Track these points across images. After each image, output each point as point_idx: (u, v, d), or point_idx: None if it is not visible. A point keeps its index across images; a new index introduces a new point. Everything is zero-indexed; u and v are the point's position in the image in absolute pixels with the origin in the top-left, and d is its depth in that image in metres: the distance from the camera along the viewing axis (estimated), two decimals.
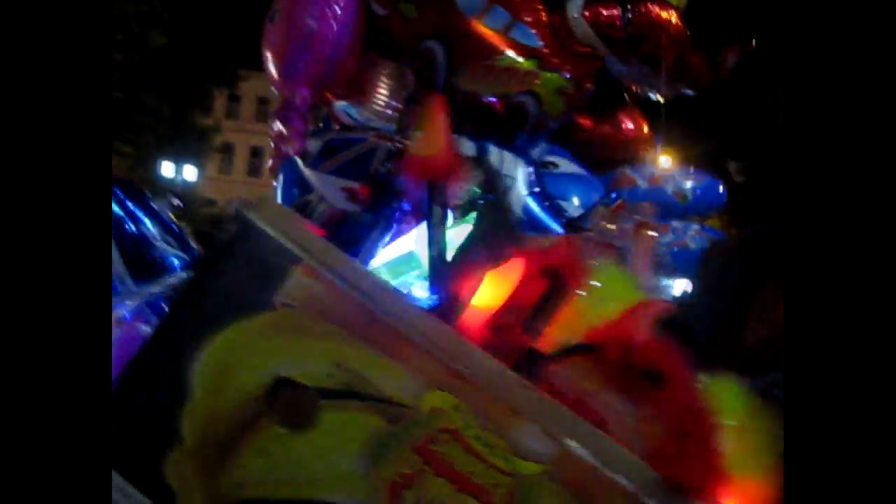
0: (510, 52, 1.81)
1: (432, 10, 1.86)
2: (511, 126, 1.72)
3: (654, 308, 0.82)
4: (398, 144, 1.26)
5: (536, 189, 1.34)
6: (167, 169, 18.28)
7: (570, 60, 1.79)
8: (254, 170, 26.64)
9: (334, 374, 0.64)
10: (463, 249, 0.77)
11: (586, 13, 1.79)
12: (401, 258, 0.82)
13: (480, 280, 0.75)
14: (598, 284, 0.85)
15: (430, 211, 0.79)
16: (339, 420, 0.63)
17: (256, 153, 26.60)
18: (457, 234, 0.81)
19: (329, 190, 1.35)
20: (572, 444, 0.63)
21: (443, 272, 0.75)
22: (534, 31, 1.79)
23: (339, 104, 1.76)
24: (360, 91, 1.91)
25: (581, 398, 0.78)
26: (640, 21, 1.76)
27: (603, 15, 1.80)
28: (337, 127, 1.80)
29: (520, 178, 1.25)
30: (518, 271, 0.77)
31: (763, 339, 0.97)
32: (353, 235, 0.88)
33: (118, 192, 1.06)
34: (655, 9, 1.78)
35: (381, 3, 1.92)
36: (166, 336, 0.68)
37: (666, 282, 1.22)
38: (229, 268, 0.67)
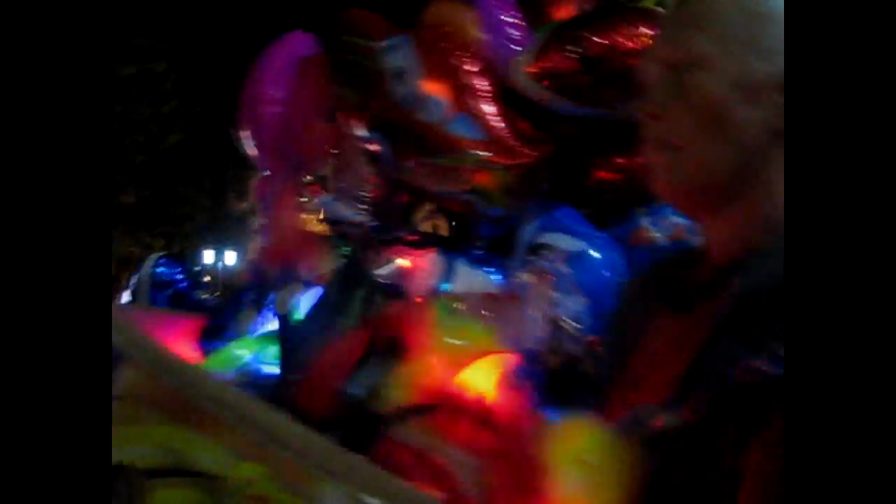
0: (449, 151, 1.67)
1: (370, 97, 1.78)
2: (465, 221, 1.68)
3: (503, 362, 0.88)
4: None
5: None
6: (208, 256, 18.82)
7: (517, 151, 1.64)
8: None
9: (161, 456, 0.71)
10: (304, 323, 0.84)
11: (533, 70, 1.66)
12: (256, 336, 0.90)
13: (323, 354, 0.81)
14: (457, 342, 0.91)
15: (278, 294, 0.86)
16: (167, 496, 0.70)
17: None
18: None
19: None
20: (373, 500, 0.68)
21: (287, 348, 0.82)
22: (476, 120, 1.66)
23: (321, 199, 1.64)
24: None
25: (423, 453, 0.83)
26: (599, 52, 1.63)
27: (553, 64, 1.66)
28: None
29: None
30: (360, 341, 0.84)
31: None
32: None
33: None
34: (614, 36, 1.64)
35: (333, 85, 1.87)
36: None
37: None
38: None
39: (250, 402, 0.72)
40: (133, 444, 0.72)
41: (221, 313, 0.94)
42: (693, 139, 0.92)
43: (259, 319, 0.93)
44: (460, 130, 1.65)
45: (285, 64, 2.04)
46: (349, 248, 0.95)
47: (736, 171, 0.92)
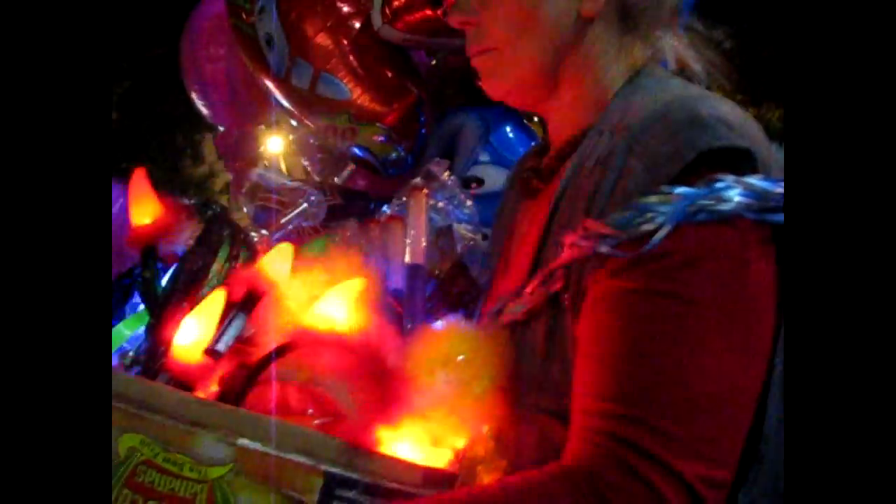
0: (319, 112, 1.67)
1: (256, 65, 1.76)
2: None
3: (358, 284, 0.93)
4: None
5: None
6: None
7: (384, 101, 1.63)
8: None
9: None
10: (164, 293, 0.90)
11: (387, 14, 1.61)
12: (135, 314, 0.95)
13: (181, 319, 0.87)
14: (319, 277, 0.96)
15: (142, 273, 0.91)
16: None
17: None
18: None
19: None
20: (244, 441, 0.75)
21: (150, 323, 0.88)
22: (340, 79, 1.64)
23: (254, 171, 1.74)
24: None
25: (302, 386, 0.90)
26: None
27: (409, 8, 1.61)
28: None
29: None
30: (220, 300, 0.89)
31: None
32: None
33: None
34: None
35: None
36: None
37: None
38: None
39: (118, 377, 0.77)
40: None
41: None
42: (507, 40, 0.96)
43: (133, 302, 0.98)
44: (326, 92, 1.63)
45: (218, 21, 2.04)
46: (210, 214, 1.00)
47: (553, 62, 0.96)
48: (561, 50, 0.96)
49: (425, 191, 1.20)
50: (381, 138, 1.62)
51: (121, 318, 0.96)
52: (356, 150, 1.62)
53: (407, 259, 1.13)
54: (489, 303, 1.06)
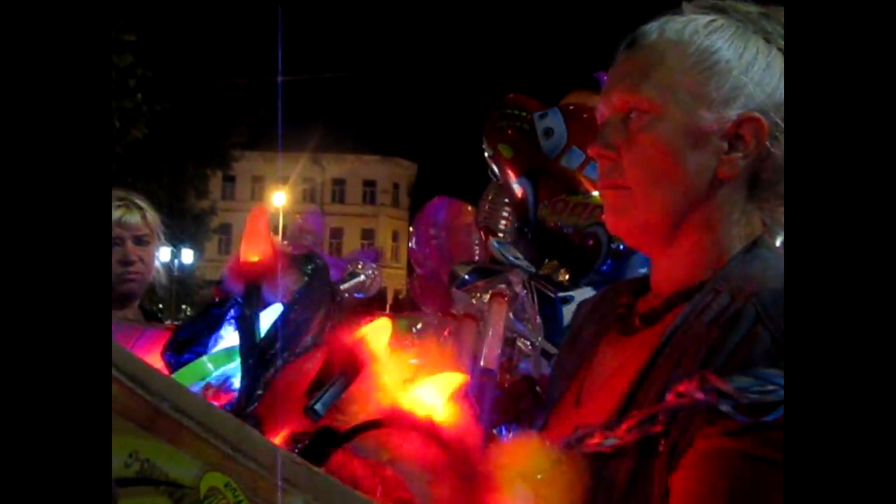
0: (581, 189, 2.20)
1: (523, 151, 2.36)
2: (587, 255, 1.99)
3: (454, 380, 0.93)
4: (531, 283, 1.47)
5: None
6: (164, 254, 18.61)
7: None
8: None
9: (129, 465, 0.74)
10: (266, 339, 0.88)
11: None
12: (223, 350, 0.94)
13: (280, 369, 0.86)
14: (413, 360, 0.96)
15: (244, 310, 0.90)
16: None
17: None
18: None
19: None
20: None
21: (248, 364, 0.86)
22: None
23: (492, 242, 2.13)
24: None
25: (376, 466, 0.88)
26: None
27: None
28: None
29: None
30: (319, 359, 0.88)
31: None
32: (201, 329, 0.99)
33: None
34: None
35: (487, 145, 2.49)
36: None
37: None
38: None
39: (216, 413, 0.76)
40: None
41: (189, 326, 0.97)
42: (641, 181, 0.99)
43: (219, 334, 0.97)
44: (591, 175, 2.12)
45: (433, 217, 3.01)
46: (312, 268, 1.00)
47: (681, 213, 0.99)
48: (691, 204, 0.99)
49: (507, 298, 1.21)
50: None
51: (203, 346, 0.95)
52: (597, 227, 1.91)
53: (482, 363, 1.13)
54: (557, 428, 1.05)
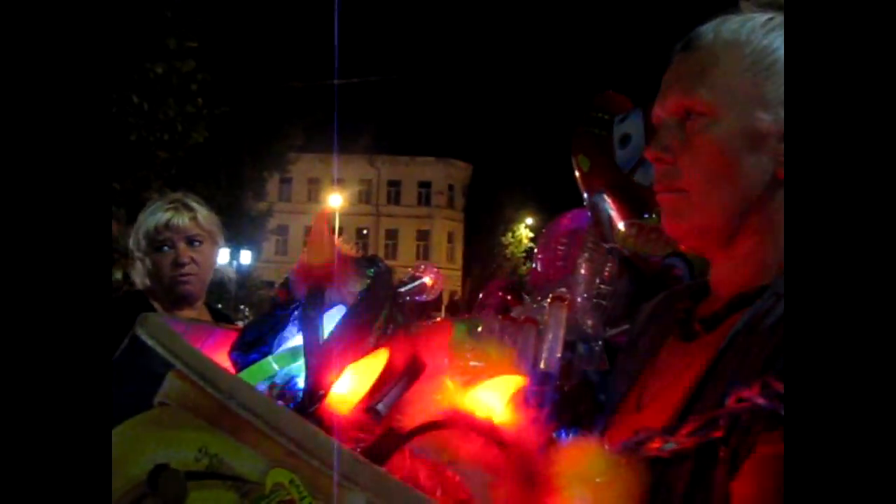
0: (639, 211, 1.86)
1: (600, 163, 2.04)
2: (659, 286, 1.74)
3: (514, 382, 0.94)
4: None
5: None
6: (223, 255, 18.95)
7: None
8: None
9: (199, 459, 0.77)
10: (330, 341, 0.90)
11: None
12: (288, 350, 0.96)
13: (343, 369, 0.88)
14: (473, 363, 0.98)
15: (307, 311, 0.93)
16: (203, 497, 0.77)
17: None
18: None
19: None
20: None
21: (311, 364, 0.89)
22: None
23: None
24: None
25: (437, 467, 0.89)
26: None
27: None
28: None
29: None
30: (382, 359, 0.90)
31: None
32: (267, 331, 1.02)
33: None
34: None
35: (572, 155, 2.17)
36: None
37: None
38: (122, 373, 0.82)
39: (283, 412, 0.78)
40: (173, 448, 0.78)
41: (256, 327, 1.00)
42: (698, 184, 0.98)
43: (283, 335, 1.00)
44: None
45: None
46: (375, 271, 1.01)
47: (739, 215, 0.98)
48: (750, 206, 0.97)
49: (566, 302, 1.21)
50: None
51: (268, 346, 0.97)
52: (675, 259, 1.65)
53: (542, 366, 1.13)
54: (617, 432, 1.05)
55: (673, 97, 1.00)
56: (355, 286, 1.00)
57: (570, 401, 1.15)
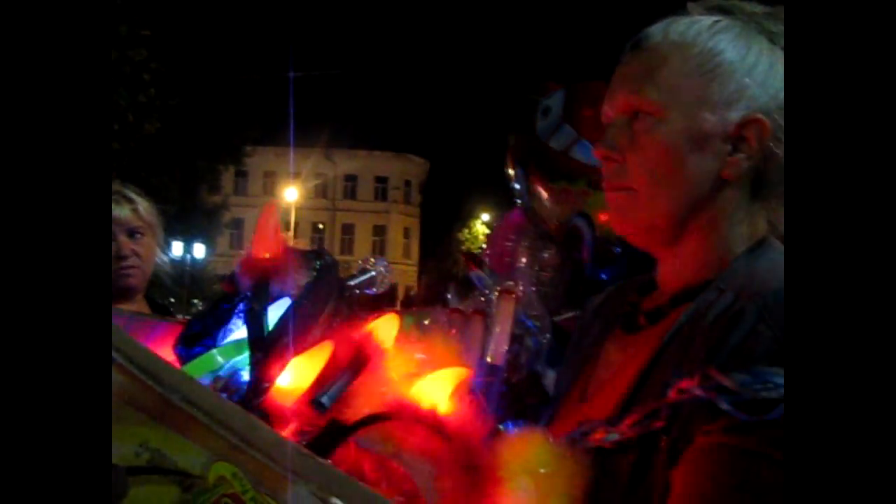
0: (565, 174, 1.92)
1: (521, 135, 2.10)
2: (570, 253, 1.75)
3: (458, 374, 0.94)
4: None
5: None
6: (176, 248, 18.64)
7: None
8: None
9: (140, 454, 0.76)
10: (275, 333, 0.90)
11: None
12: (232, 342, 0.95)
13: (287, 362, 0.87)
14: (419, 355, 0.98)
15: (252, 305, 0.92)
16: (144, 492, 0.76)
17: None
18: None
19: None
20: (336, 501, 0.74)
21: (256, 357, 0.88)
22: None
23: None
24: None
25: (382, 459, 0.89)
26: None
27: None
28: None
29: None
30: (326, 352, 0.90)
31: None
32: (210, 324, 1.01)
33: None
34: None
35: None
36: None
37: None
38: None
39: (225, 405, 0.77)
40: (115, 442, 0.77)
41: (200, 320, 0.99)
42: (645, 183, 1.00)
43: (227, 327, 0.99)
44: (579, 155, 1.85)
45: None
46: (321, 263, 1.01)
47: (685, 214, 1.00)
48: (695, 205, 0.99)
49: (514, 295, 1.22)
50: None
51: (213, 339, 0.96)
52: (578, 219, 1.64)
53: (488, 359, 1.14)
54: (562, 423, 1.06)
55: (621, 96, 1.01)
56: (301, 279, 1.00)
57: (517, 393, 1.16)
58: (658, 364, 0.94)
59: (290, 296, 0.98)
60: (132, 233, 2.35)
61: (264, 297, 0.94)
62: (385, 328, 0.95)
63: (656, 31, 1.01)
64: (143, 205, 2.39)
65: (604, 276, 1.73)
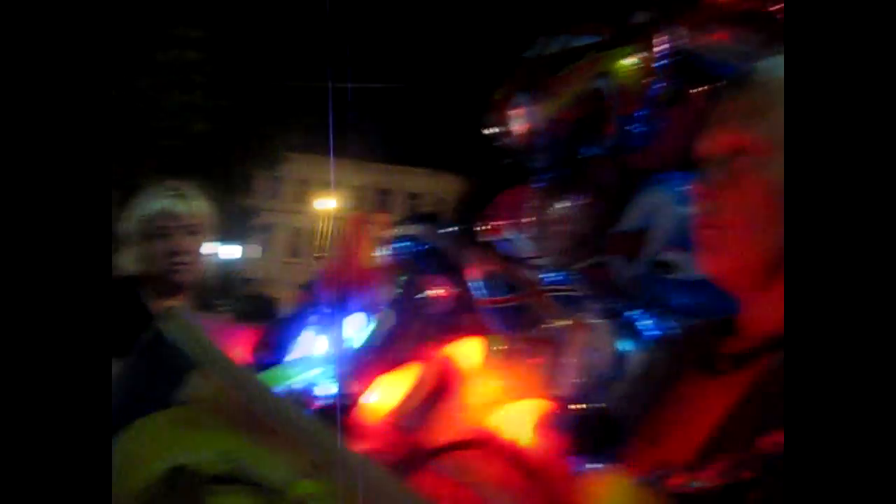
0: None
1: (521, 66, 1.81)
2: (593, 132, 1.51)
3: (539, 406, 0.92)
4: None
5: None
6: (209, 250, 18.70)
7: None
8: (294, 250, 27.20)
9: (221, 463, 0.75)
10: (363, 353, 0.89)
11: None
12: (305, 357, 0.94)
13: (374, 381, 0.86)
14: (499, 383, 0.96)
15: (331, 318, 0.91)
16: (223, 502, 0.74)
17: (297, 233, 27.17)
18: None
19: None
20: None
21: (342, 372, 0.87)
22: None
23: None
24: None
25: (460, 486, 0.87)
26: None
27: None
28: None
29: None
30: (412, 374, 0.88)
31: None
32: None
33: None
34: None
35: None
36: None
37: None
38: (144, 369, 0.80)
39: (312, 421, 0.76)
40: (194, 449, 0.76)
41: (277, 330, 0.98)
42: (741, 224, 0.97)
43: (301, 338, 0.98)
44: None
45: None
46: (406, 279, 1.00)
47: (778, 255, 0.96)
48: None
49: (585, 326, 1.19)
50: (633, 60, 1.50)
51: (286, 350, 0.95)
52: (599, 80, 1.49)
53: (562, 390, 1.11)
54: (633, 463, 1.03)
55: (724, 133, 0.98)
56: (385, 296, 0.98)
57: (585, 427, 1.13)
58: (745, 411, 0.91)
59: (368, 311, 0.97)
60: (187, 229, 2.36)
61: (346, 310, 0.93)
62: (470, 351, 0.93)
63: (765, 68, 0.99)
64: (201, 203, 2.40)
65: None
